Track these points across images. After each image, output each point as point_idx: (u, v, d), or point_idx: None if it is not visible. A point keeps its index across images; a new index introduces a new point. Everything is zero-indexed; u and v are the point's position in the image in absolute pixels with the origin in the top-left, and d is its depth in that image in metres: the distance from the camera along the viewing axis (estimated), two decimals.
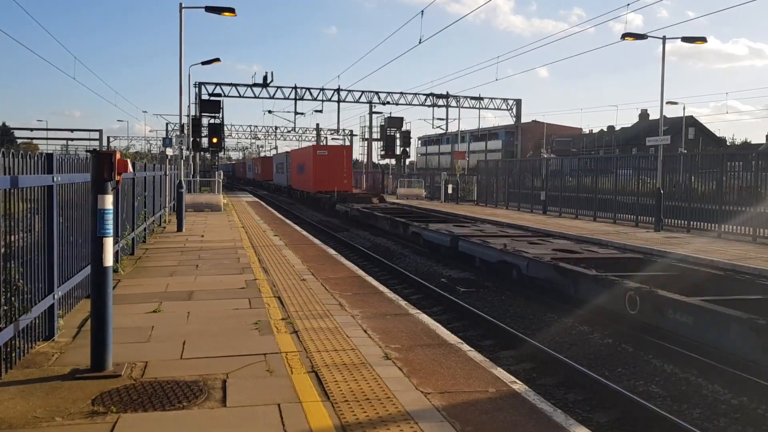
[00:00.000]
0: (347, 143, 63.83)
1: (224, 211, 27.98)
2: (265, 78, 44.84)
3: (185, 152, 30.94)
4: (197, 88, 41.92)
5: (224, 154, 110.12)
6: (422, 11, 26.18)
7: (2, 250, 5.42)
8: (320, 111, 53.01)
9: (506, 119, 60.58)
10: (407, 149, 55.74)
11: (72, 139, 44.50)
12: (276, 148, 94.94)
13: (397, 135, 53.11)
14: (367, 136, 59.61)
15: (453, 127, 69.66)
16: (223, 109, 37.83)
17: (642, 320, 9.67)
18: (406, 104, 50.21)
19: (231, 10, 23.58)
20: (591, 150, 71.12)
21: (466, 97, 50.36)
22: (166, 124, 64.75)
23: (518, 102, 51.17)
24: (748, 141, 76.71)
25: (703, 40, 23.19)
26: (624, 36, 22.89)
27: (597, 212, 26.55)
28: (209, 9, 23.52)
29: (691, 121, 69.14)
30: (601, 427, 6.75)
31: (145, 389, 5.36)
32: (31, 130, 52.41)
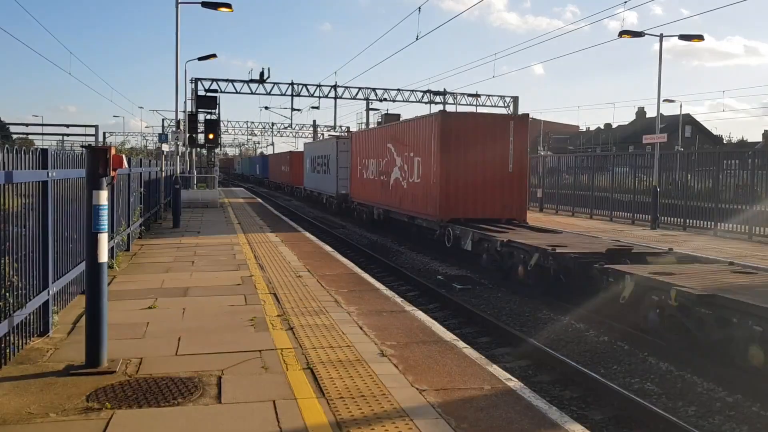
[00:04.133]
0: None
1: (221, 208, 27.93)
2: (261, 74, 44.71)
3: (181, 148, 30.88)
4: (193, 84, 41.76)
5: (221, 149, 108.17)
6: (419, 8, 26.09)
7: None
8: (317, 107, 52.99)
9: None
10: None
11: (68, 135, 44.33)
12: (273, 144, 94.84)
13: None
14: None
15: None
16: (219, 105, 37.72)
17: None
18: (403, 101, 50.08)
19: (227, 5, 23.51)
20: (588, 147, 71.18)
21: (463, 94, 50.29)
22: (162, 120, 64.34)
23: (515, 99, 51.14)
24: (745, 139, 76.91)
25: (700, 38, 23.21)
26: (621, 33, 22.88)
27: (593, 210, 26.58)
28: (205, 4, 23.43)
29: (688, 119, 69.20)
30: (597, 425, 6.77)
31: (140, 385, 5.34)
32: (27, 125, 52.26)
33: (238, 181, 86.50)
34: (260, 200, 36.29)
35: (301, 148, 66.43)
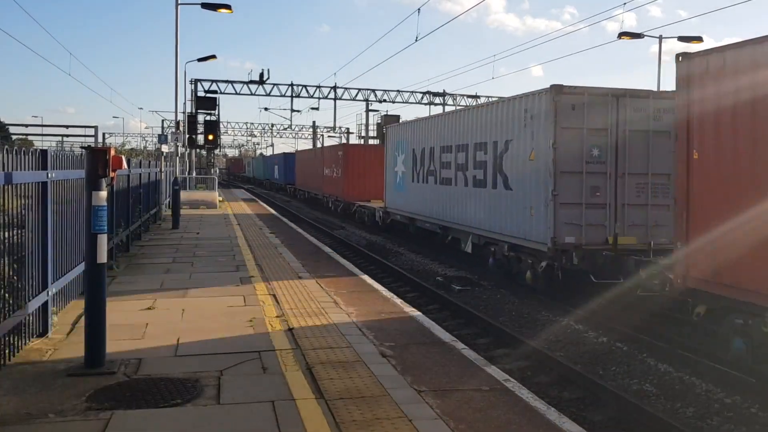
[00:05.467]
0: (345, 141, 63.24)
1: (220, 209, 27.95)
2: (261, 75, 44.73)
3: (181, 149, 30.90)
4: (193, 85, 41.79)
5: (220, 150, 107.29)
6: (419, 9, 26.11)
7: None
8: (317, 108, 52.84)
9: None
10: None
11: (67, 136, 44.36)
12: (272, 145, 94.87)
13: None
14: (363, 134, 59.63)
15: None
16: (219, 106, 37.74)
17: None
18: (403, 102, 50.10)
19: (227, 6, 23.55)
20: None
21: (462, 96, 50.35)
22: (162, 120, 64.29)
23: None
24: None
25: (699, 39, 23.28)
26: (621, 35, 22.93)
27: None
28: (205, 5, 23.47)
29: None
30: (595, 426, 6.77)
31: (138, 386, 5.35)
32: (26, 126, 52.21)
33: (249, 187, 70.48)
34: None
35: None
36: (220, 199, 31.64)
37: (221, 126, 55.94)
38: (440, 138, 17.73)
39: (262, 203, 35.35)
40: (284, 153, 60.80)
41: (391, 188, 22.67)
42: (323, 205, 36.09)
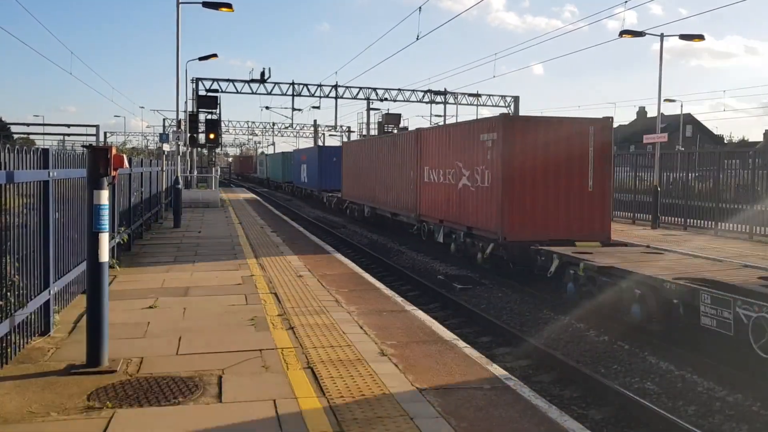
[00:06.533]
0: (346, 140, 63.06)
1: (221, 208, 27.96)
2: (262, 74, 44.74)
3: (182, 148, 30.93)
4: (194, 84, 41.79)
5: (221, 149, 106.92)
6: (420, 7, 26.08)
7: None
8: (318, 107, 52.93)
9: None
10: None
11: (69, 135, 44.35)
12: (273, 144, 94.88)
13: (395, 131, 53.06)
14: (364, 132, 59.62)
15: None
16: (220, 104, 37.73)
17: None
18: (404, 101, 50.10)
19: (228, 5, 23.54)
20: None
21: (463, 94, 50.30)
22: (163, 119, 64.17)
23: (516, 99, 51.15)
24: (746, 139, 76.88)
25: (701, 37, 23.20)
26: (622, 33, 22.86)
27: None
28: (206, 4, 23.46)
29: (689, 119, 69.13)
30: (596, 424, 6.77)
31: (140, 385, 5.36)
32: (28, 125, 52.25)
33: (264, 191, 59.66)
34: None
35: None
36: (222, 197, 31.68)
37: (222, 125, 55.86)
38: None
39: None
40: (318, 146, 46.03)
41: None
42: (410, 233, 21.01)
